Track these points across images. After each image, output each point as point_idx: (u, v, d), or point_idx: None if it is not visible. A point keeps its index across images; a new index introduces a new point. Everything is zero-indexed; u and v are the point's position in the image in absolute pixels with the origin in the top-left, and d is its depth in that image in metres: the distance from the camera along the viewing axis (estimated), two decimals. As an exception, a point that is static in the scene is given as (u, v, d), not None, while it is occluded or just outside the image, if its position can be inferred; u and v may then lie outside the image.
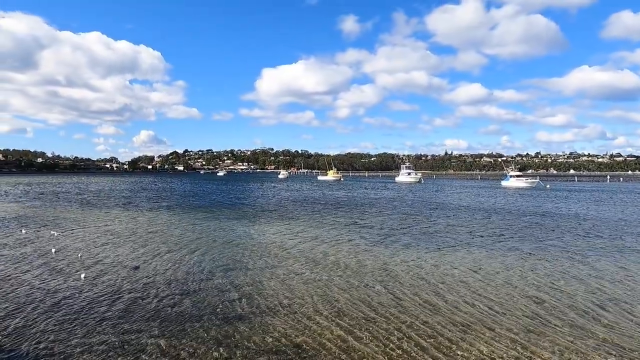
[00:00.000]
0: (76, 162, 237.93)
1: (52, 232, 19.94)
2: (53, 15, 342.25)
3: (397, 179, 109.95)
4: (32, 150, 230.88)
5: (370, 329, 8.37)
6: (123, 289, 10.88)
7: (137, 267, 13.26)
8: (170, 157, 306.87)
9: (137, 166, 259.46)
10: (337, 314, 9.17)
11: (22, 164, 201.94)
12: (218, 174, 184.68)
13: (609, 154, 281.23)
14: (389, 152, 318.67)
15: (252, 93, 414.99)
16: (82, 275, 12.03)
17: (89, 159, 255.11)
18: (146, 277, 12.16)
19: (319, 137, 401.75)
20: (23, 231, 20.40)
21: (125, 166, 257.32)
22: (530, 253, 15.73)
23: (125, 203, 38.53)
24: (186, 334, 8.00)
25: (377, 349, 7.48)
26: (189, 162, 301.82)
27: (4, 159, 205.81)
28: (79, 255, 15.03)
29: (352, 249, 16.46)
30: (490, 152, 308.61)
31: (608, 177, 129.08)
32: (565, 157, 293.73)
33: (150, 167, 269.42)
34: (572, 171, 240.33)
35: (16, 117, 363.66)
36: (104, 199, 43.35)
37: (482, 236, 19.57)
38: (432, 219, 26.52)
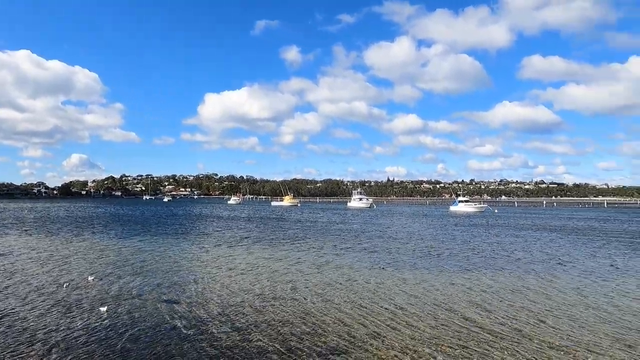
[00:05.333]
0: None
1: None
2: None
3: (349, 204, 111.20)
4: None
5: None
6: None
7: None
8: (106, 182, 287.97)
9: (69, 192, 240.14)
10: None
11: None
12: (164, 200, 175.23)
13: (533, 181, 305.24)
14: (333, 178, 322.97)
15: (194, 117, 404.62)
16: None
17: (11, 184, 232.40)
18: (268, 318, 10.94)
19: (263, 162, 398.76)
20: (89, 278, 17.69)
21: (55, 191, 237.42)
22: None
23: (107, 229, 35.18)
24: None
25: None
26: (127, 187, 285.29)
27: None
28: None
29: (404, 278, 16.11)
30: (429, 179, 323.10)
31: (544, 202, 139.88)
32: (497, 184, 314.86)
33: (84, 192, 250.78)
34: (503, 197, 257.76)
35: None
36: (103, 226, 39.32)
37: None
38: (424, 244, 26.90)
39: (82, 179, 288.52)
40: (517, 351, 8.27)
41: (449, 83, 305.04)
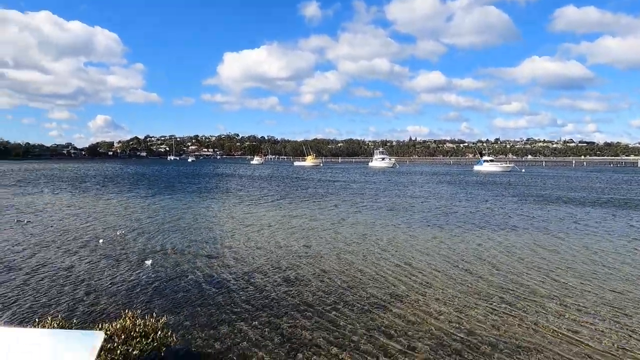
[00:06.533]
0: (29, 147, 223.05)
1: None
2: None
3: (370, 164, 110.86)
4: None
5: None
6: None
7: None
8: (131, 142, 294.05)
9: (96, 152, 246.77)
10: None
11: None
12: (188, 160, 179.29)
13: (562, 140, 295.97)
14: (354, 138, 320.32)
15: (214, 78, 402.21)
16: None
17: (42, 145, 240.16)
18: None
19: (283, 123, 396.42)
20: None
21: (83, 152, 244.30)
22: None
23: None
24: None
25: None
26: (152, 147, 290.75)
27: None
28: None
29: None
30: (452, 138, 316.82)
31: (573, 162, 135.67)
32: (523, 143, 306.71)
33: (111, 153, 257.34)
34: (529, 156, 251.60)
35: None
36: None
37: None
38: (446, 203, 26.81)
39: (108, 139, 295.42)
40: (525, 308, 8.36)
41: (474, 37, 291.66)
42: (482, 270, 10.99)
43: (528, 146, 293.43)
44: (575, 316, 7.87)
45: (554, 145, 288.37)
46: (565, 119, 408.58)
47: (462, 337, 6.94)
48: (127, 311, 5.61)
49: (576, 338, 6.94)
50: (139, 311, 6.01)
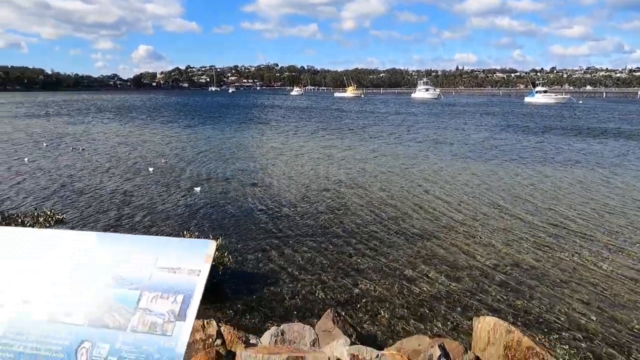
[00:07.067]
0: (78, 79, 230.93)
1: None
2: None
3: (413, 95, 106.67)
4: (30, 67, 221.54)
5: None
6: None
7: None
8: (173, 73, 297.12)
9: (140, 83, 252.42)
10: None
11: (25, 81, 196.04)
12: (229, 91, 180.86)
13: (627, 68, 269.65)
14: (397, 68, 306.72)
15: (252, 4, 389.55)
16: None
17: (90, 76, 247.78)
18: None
19: (323, 52, 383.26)
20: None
21: (128, 83, 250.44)
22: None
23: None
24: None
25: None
26: (193, 78, 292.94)
27: (4, 76, 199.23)
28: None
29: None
30: (503, 67, 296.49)
31: (639, 93, 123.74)
32: (582, 72, 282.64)
33: (154, 84, 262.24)
34: (588, 87, 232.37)
35: (8, 32, 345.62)
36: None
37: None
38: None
39: (150, 70, 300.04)
40: (567, 246, 8.13)
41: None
42: (523, 206, 10.74)
43: (588, 76, 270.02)
44: (618, 255, 7.64)
45: (618, 75, 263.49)
46: (635, 44, 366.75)
47: (504, 270, 6.98)
48: (184, 232, 6.01)
49: (618, 277, 6.78)
50: (196, 233, 6.41)
